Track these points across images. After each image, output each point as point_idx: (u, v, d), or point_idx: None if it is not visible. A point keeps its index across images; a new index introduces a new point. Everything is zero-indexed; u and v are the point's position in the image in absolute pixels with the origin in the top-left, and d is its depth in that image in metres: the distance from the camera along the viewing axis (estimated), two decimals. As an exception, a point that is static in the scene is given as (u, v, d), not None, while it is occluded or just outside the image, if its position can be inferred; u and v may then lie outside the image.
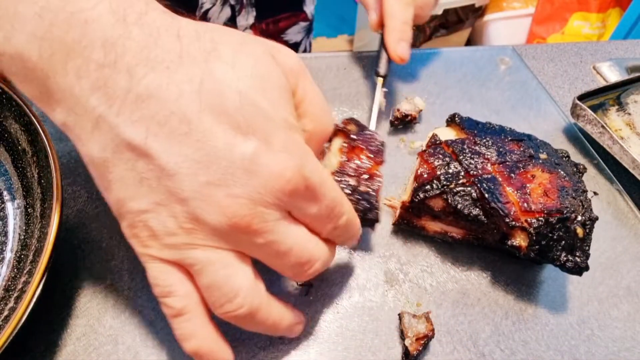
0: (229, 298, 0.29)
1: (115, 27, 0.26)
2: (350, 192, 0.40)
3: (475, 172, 0.41)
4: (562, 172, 0.42)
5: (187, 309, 0.30)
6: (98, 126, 0.26)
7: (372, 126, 0.53)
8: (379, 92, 0.55)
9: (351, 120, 0.47)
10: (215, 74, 0.27)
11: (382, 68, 0.55)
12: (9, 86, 0.42)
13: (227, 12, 0.71)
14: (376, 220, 0.40)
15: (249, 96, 0.27)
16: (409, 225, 0.44)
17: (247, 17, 0.73)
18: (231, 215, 0.27)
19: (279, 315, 0.33)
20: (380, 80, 0.55)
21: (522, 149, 0.43)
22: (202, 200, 0.27)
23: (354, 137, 0.45)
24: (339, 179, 0.41)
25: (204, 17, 0.70)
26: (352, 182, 0.41)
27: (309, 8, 0.79)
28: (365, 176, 0.42)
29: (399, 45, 0.53)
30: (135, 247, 0.30)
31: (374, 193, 0.41)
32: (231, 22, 0.72)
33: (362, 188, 0.41)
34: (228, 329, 0.39)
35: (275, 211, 0.28)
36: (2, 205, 0.41)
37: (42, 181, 0.39)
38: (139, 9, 0.27)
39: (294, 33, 0.80)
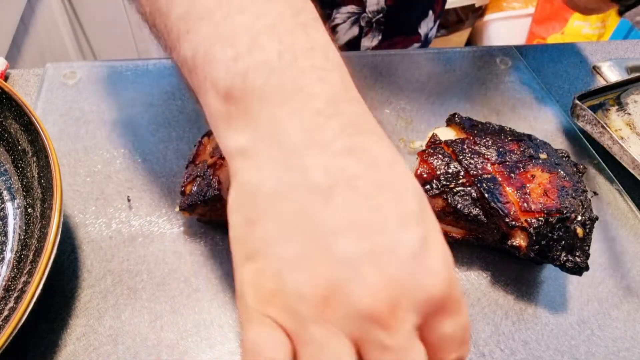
0: None
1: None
2: None
3: (475, 172, 0.41)
4: (562, 172, 0.42)
5: None
6: (289, 161, 0.24)
7: None
8: None
9: None
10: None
11: None
12: (9, 86, 0.42)
13: (354, 31, 0.73)
14: None
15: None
16: (409, 225, 0.44)
17: (372, 40, 0.75)
18: (378, 298, 0.22)
19: None
20: None
21: (522, 149, 0.43)
22: (355, 269, 0.22)
23: None
24: None
25: (332, 31, 0.72)
26: None
27: (423, 30, 0.80)
28: None
29: None
30: (246, 299, 0.24)
31: None
32: (355, 42, 0.75)
33: None
34: (239, 330, 0.38)
35: (415, 317, 0.23)
36: (2, 205, 0.41)
37: (42, 181, 0.39)
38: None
39: None
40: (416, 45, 0.81)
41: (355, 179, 0.24)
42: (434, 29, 0.84)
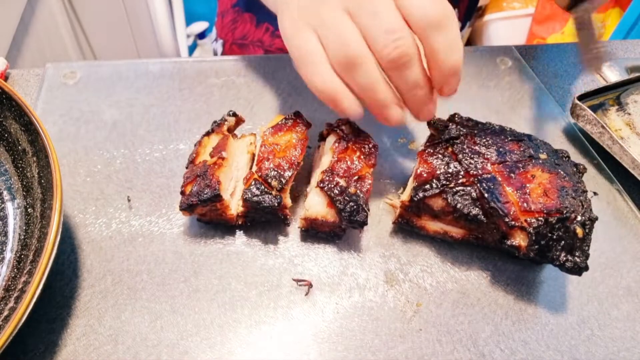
0: (391, 30, 0.37)
1: None
2: (339, 192, 0.40)
3: (475, 172, 0.41)
4: (562, 172, 0.42)
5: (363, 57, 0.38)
6: None
7: None
8: None
9: (346, 121, 0.47)
10: None
11: None
12: (9, 86, 0.42)
13: None
14: (364, 222, 0.40)
15: None
16: (409, 225, 0.44)
17: None
18: None
19: (427, 77, 0.40)
20: None
21: (522, 149, 0.43)
22: None
23: (348, 138, 0.45)
24: (328, 178, 0.41)
25: None
26: (342, 182, 0.41)
27: None
28: (356, 178, 0.42)
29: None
30: (293, 18, 0.40)
31: (363, 195, 0.41)
32: None
33: (352, 189, 0.41)
34: (238, 330, 0.39)
35: None
36: (2, 205, 0.41)
37: (42, 181, 0.39)
38: None
39: None
40: None
41: None
42: None
